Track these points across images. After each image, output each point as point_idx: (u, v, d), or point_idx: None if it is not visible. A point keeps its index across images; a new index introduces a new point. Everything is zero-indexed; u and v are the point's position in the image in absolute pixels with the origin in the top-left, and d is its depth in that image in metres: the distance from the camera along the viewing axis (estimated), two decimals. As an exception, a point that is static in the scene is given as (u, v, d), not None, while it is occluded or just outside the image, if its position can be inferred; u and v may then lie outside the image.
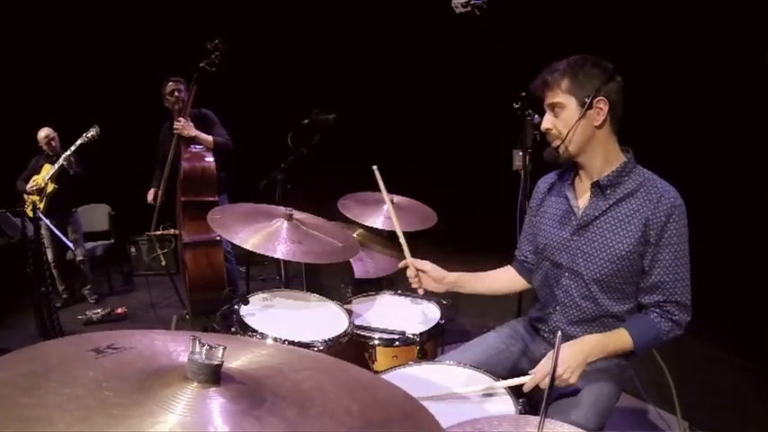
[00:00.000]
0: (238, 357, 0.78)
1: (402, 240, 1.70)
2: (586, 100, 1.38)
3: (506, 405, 1.36)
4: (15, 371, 0.64)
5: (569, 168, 1.58)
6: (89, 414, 0.58)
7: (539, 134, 2.10)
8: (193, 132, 3.38)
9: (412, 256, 1.68)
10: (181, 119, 3.36)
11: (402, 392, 0.82)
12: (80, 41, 5.22)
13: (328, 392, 0.74)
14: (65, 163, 4.03)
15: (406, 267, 1.68)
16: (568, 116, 1.41)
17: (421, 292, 1.69)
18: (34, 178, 4.11)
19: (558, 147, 1.45)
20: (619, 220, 1.43)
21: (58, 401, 0.59)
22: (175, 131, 3.36)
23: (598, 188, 1.46)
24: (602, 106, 1.39)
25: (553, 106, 1.44)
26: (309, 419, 0.66)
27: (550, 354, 1.31)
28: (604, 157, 1.45)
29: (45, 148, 4.20)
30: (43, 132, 4.19)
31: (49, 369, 0.65)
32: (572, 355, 1.32)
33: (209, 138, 3.44)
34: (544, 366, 1.31)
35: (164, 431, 0.58)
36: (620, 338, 1.39)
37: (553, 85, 1.42)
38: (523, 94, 2.06)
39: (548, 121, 1.46)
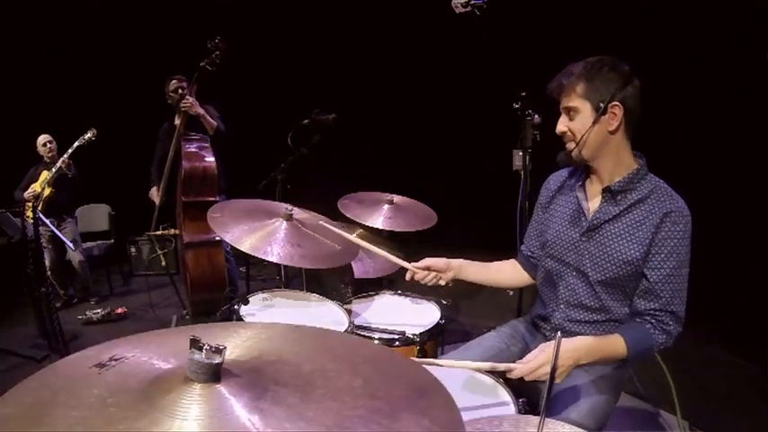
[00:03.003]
0: (235, 346, 0.78)
1: (391, 257, 1.69)
2: (601, 105, 1.37)
3: (506, 405, 1.36)
4: (23, 403, 0.65)
5: (580, 168, 1.57)
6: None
7: (539, 134, 2.12)
8: (201, 111, 3.40)
9: (407, 261, 1.67)
10: (189, 97, 3.37)
11: (406, 360, 0.82)
12: (79, 42, 5.22)
13: (329, 371, 0.74)
14: (63, 165, 4.02)
15: (413, 276, 1.67)
16: (583, 120, 1.41)
17: (442, 283, 1.68)
18: (32, 186, 4.10)
19: (572, 151, 1.45)
20: (628, 225, 1.42)
21: (66, 425, 0.60)
22: (183, 108, 3.37)
23: (609, 193, 1.46)
24: (616, 111, 1.38)
25: (568, 110, 1.43)
26: (312, 404, 0.66)
27: (541, 346, 1.28)
28: (617, 163, 1.45)
29: (43, 154, 4.21)
30: (41, 139, 4.20)
31: (56, 393, 0.67)
32: (565, 356, 1.27)
33: (214, 123, 3.48)
34: (535, 360, 1.25)
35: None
36: (615, 345, 1.36)
37: (569, 89, 1.41)
38: (523, 93, 2.06)
39: (562, 124, 1.46)
